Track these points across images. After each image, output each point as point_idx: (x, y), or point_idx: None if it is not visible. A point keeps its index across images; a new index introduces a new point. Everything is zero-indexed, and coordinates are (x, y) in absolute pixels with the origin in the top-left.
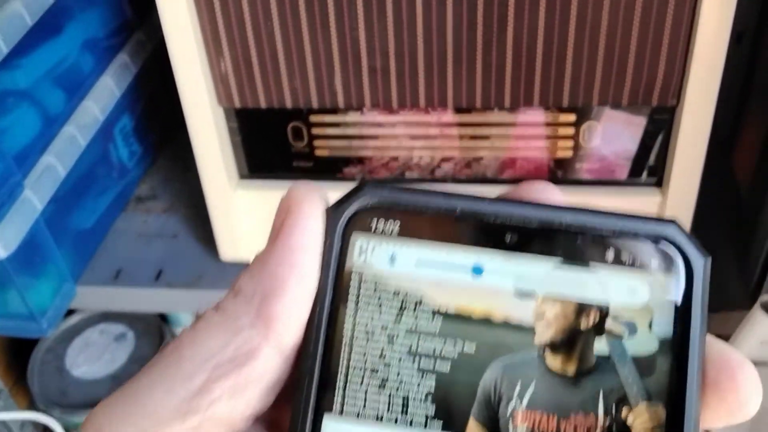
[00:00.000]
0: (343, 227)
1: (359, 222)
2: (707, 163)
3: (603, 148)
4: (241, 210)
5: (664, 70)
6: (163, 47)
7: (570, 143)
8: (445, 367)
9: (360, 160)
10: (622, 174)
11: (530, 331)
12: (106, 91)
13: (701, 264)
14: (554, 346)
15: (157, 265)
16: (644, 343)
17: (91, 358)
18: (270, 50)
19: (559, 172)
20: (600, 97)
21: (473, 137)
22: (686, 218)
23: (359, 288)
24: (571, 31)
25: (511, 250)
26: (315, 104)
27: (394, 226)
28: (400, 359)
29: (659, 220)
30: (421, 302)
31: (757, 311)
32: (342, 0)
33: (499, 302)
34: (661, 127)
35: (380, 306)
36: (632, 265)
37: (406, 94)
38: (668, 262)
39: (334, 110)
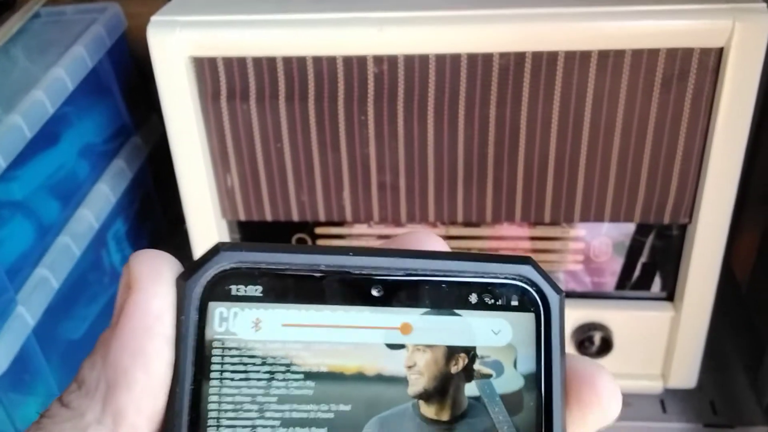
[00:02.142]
0: (199, 297)
1: (217, 289)
2: None
3: (613, 261)
4: None
5: (677, 189)
6: (157, 150)
7: (580, 257)
8: None
9: None
10: (633, 287)
11: (403, 382)
12: (102, 197)
13: (556, 300)
14: (427, 395)
15: None
16: (511, 380)
17: None
18: (278, 166)
19: (570, 284)
20: (611, 214)
21: (482, 250)
22: (700, 330)
23: (223, 360)
24: (582, 150)
25: (378, 303)
26: (322, 217)
27: (256, 288)
28: (273, 430)
29: (516, 259)
30: (290, 367)
31: None
32: (353, 119)
33: (370, 357)
34: (673, 241)
35: (247, 376)
36: (494, 306)
37: (416, 209)
38: (526, 301)
39: (341, 222)
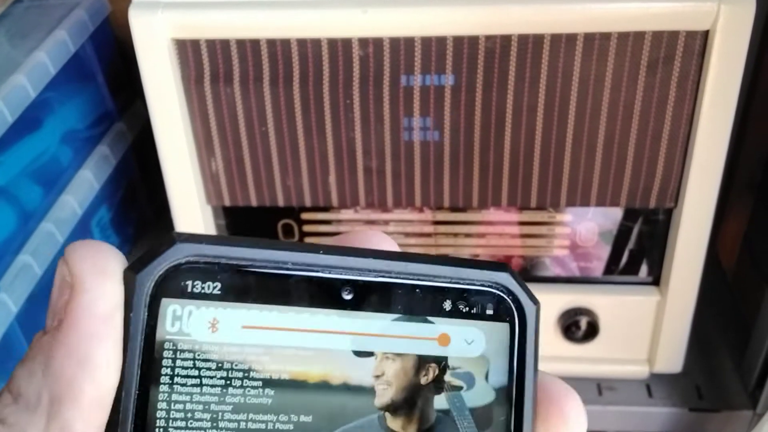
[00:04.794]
0: (150, 293)
1: (171, 284)
2: None
3: (600, 246)
4: None
5: (662, 173)
6: (142, 136)
7: (566, 242)
8: None
9: None
10: (621, 273)
11: (370, 392)
12: (85, 184)
13: (533, 311)
14: (395, 407)
15: None
16: (482, 393)
17: None
18: (263, 151)
19: (556, 270)
20: (597, 199)
21: (468, 235)
22: (686, 314)
23: (174, 363)
24: (568, 134)
25: (347, 307)
26: (308, 203)
27: (214, 286)
28: None
29: (493, 266)
30: (249, 373)
31: None
32: (339, 103)
33: (336, 365)
34: (659, 226)
35: (201, 382)
36: (468, 314)
37: (402, 194)
38: (502, 310)
39: (327, 208)
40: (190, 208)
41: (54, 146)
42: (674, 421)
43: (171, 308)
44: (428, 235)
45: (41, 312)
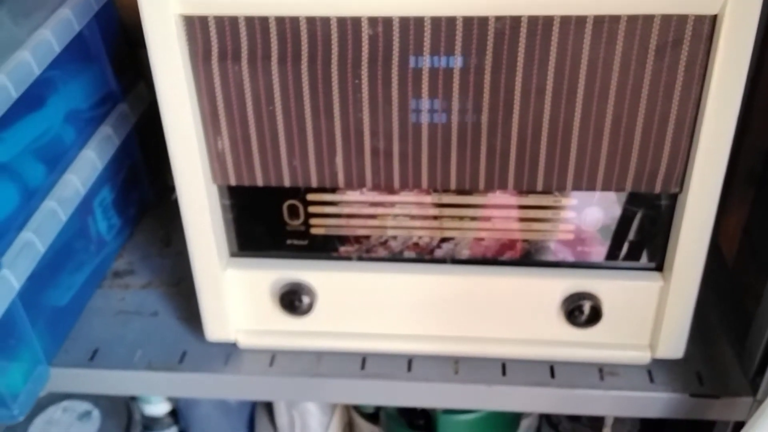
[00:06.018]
0: None
1: None
2: None
3: (604, 231)
4: (230, 289)
5: (668, 158)
6: (145, 119)
7: (571, 226)
8: None
9: (357, 239)
10: (624, 257)
11: None
12: (88, 163)
13: None
14: None
15: (136, 346)
16: None
17: None
18: (270, 130)
19: (560, 254)
20: (603, 183)
21: (473, 218)
22: (689, 300)
23: None
24: (576, 117)
25: None
26: (314, 183)
27: None
28: None
29: None
30: None
31: None
32: (347, 83)
33: None
34: (663, 212)
35: None
36: None
37: (409, 176)
38: None
39: (333, 189)
40: (195, 187)
41: (57, 125)
42: (675, 406)
43: None
44: (433, 217)
45: (43, 289)
